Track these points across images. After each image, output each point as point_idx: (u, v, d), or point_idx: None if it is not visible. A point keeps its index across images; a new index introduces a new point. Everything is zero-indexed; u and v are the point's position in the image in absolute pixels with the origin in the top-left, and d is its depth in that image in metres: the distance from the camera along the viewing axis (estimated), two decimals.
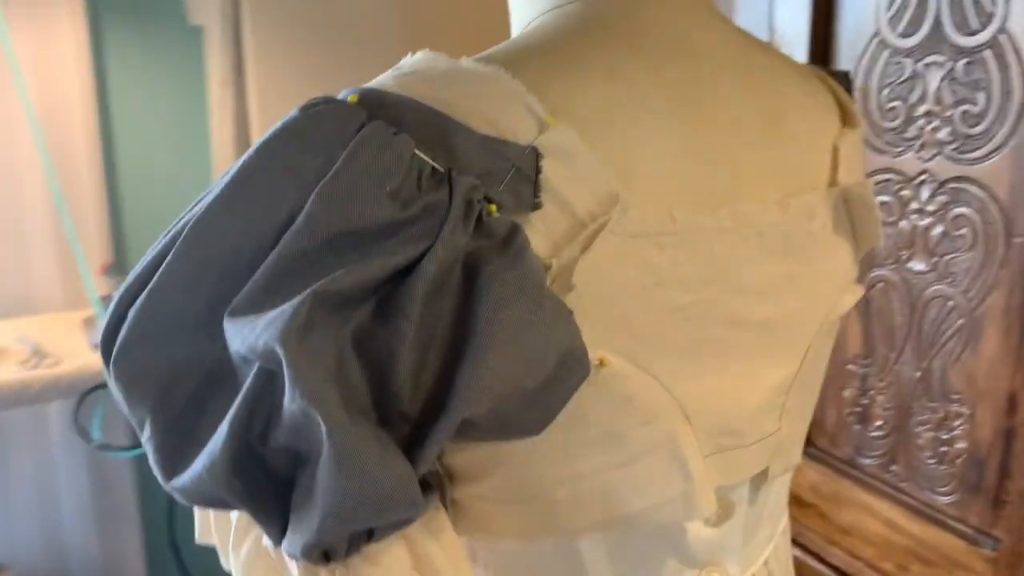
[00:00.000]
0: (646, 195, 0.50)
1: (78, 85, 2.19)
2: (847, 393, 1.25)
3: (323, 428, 0.38)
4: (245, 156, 0.45)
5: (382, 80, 0.49)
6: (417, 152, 0.44)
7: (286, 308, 0.39)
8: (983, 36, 1.00)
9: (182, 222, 0.45)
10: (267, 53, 2.25)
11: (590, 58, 0.51)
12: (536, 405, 0.45)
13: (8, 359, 1.95)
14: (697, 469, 0.54)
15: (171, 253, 0.44)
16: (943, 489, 1.12)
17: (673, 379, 0.53)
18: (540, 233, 0.47)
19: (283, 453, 0.42)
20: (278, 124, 0.45)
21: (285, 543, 0.42)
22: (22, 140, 2.15)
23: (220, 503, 0.43)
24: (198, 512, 0.54)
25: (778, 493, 0.65)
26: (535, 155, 0.46)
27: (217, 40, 2.28)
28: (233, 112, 2.34)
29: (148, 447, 0.44)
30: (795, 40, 1.23)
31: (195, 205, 0.46)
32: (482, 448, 0.53)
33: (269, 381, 0.40)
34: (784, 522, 0.69)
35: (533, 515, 0.54)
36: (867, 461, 1.23)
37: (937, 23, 1.05)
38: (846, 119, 0.64)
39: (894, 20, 1.10)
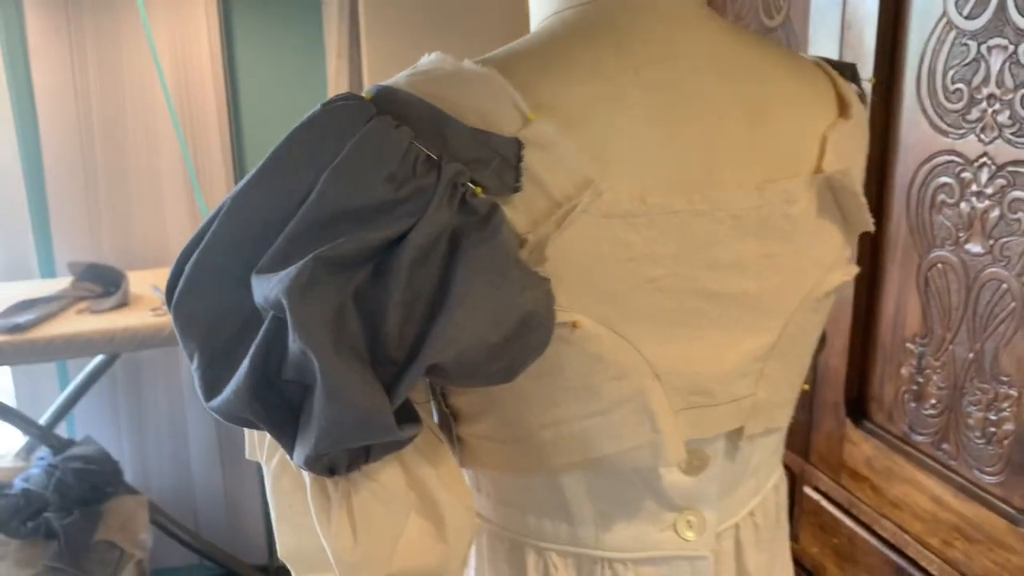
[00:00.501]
0: (620, 181, 0.57)
1: (209, 57, 2.38)
2: (904, 371, 1.27)
3: (316, 365, 0.49)
4: (278, 144, 0.55)
5: (397, 79, 0.58)
6: (414, 143, 0.53)
7: (292, 269, 0.49)
8: None
9: (230, 194, 0.56)
10: (380, 27, 2.37)
11: (575, 60, 0.59)
12: (500, 357, 0.54)
13: (143, 306, 2.17)
14: (665, 422, 0.62)
15: (217, 220, 0.55)
16: (990, 469, 1.14)
17: (644, 342, 0.60)
18: (521, 212, 0.55)
19: (293, 385, 0.52)
20: (304, 117, 0.55)
21: (294, 456, 0.53)
22: (158, 109, 2.37)
23: (246, 422, 0.54)
24: (247, 434, 0.65)
25: (764, 452, 0.72)
26: (518, 145, 0.55)
27: (335, 15, 2.42)
28: (348, 81, 2.49)
29: (195, 375, 0.55)
30: (866, 20, 1.24)
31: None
32: (477, 393, 0.62)
33: (280, 326, 0.50)
34: (775, 479, 0.76)
35: (522, 453, 0.63)
36: (920, 438, 1.25)
37: (1001, 5, 1.05)
38: (843, 110, 0.69)
39: (961, 2, 1.10)
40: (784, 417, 0.71)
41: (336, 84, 2.45)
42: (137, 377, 2.55)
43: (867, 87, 0.74)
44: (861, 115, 0.70)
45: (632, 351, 0.60)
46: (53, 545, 2.14)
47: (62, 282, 2.30)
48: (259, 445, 0.63)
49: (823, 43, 1.33)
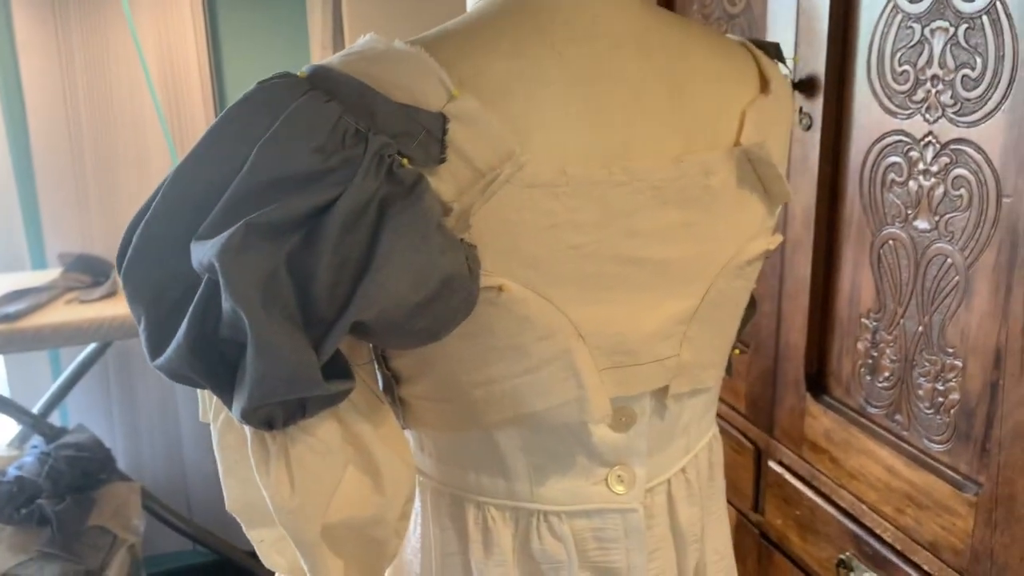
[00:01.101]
0: (541, 153, 0.61)
1: (194, 47, 2.42)
2: (860, 346, 1.31)
3: (246, 322, 0.53)
4: (216, 118, 0.59)
5: (332, 58, 0.62)
6: (344, 116, 0.57)
7: (225, 234, 0.53)
8: (981, 2, 1.03)
9: (172, 168, 0.60)
10: (362, 20, 2.41)
11: (499, 39, 0.62)
12: (423, 316, 0.58)
13: None
14: (590, 379, 0.66)
15: (160, 192, 0.59)
16: (938, 438, 1.18)
17: (569, 304, 0.64)
18: (446, 182, 0.59)
19: (230, 343, 0.56)
20: (242, 95, 0.59)
21: (232, 410, 0.57)
22: (145, 102, 2.40)
23: (189, 380, 0.58)
24: (199, 397, 0.69)
25: (694, 411, 0.76)
26: (442, 119, 0.59)
27: (319, 8, 2.46)
28: None
29: (142, 336, 0.59)
30: (819, 6, 1.27)
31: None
32: (414, 355, 0.66)
33: (215, 288, 0.54)
34: (707, 439, 0.80)
35: (457, 411, 0.68)
36: (874, 410, 1.29)
37: None
38: (764, 87, 0.72)
39: None
40: (712, 378, 0.75)
41: None
42: (128, 365, 2.60)
43: (791, 65, 0.78)
44: (783, 90, 0.74)
45: (557, 313, 0.64)
46: (46, 531, 2.19)
47: (52, 273, 2.34)
48: (208, 406, 0.67)
49: (780, 29, 1.36)
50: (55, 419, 2.49)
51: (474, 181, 0.60)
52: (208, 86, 2.47)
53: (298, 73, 0.60)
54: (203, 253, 0.54)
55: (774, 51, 0.76)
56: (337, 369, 0.58)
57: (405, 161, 0.58)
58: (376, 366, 0.70)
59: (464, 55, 0.61)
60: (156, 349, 0.58)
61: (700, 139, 0.68)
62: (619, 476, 0.71)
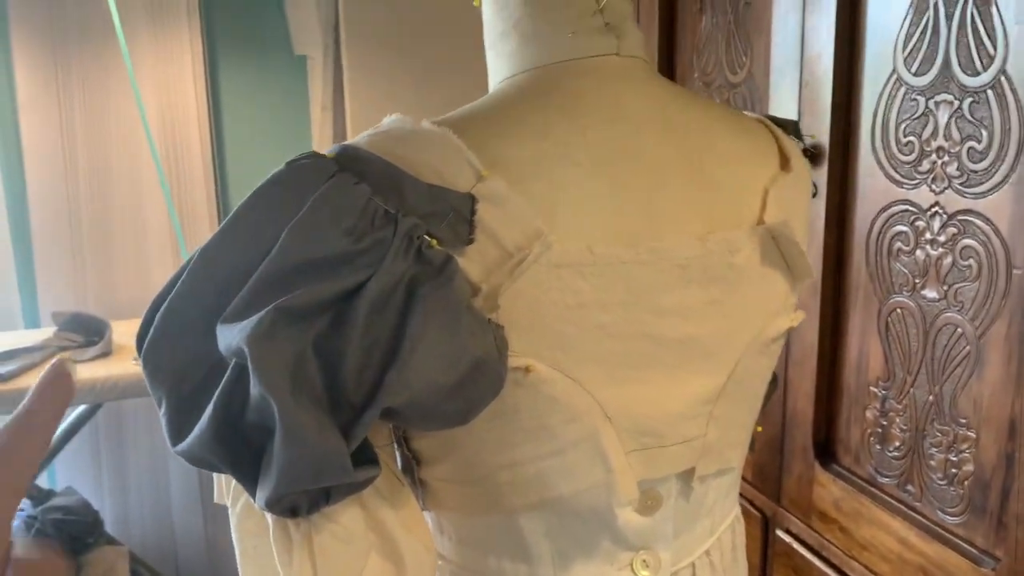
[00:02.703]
0: (568, 232, 0.61)
1: (195, 109, 2.43)
2: (869, 414, 1.30)
3: (275, 409, 0.51)
4: (244, 199, 0.58)
5: (359, 138, 0.62)
6: (373, 198, 0.57)
7: (253, 318, 0.52)
8: (986, 77, 1.05)
9: (198, 248, 0.59)
10: (363, 82, 2.44)
11: (526, 121, 0.63)
12: (454, 400, 0.56)
13: (127, 355, 2.19)
14: (617, 462, 0.64)
15: (185, 273, 0.58)
16: (953, 510, 1.17)
17: (596, 385, 0.63)
18: (474, 262, 0.59)
19: (256, 428, 0.55)
20: (270, 175, 0.59)
21: (256, 498, 0.56)
22: (144, 161, 2.41)
23: (210, 465, 0.57)
24: (215, 479, 0.68)
25: (718, 492, 0.74)
26: (471, 200, 0.58)
27: (319, 69, 2.49)
28: (332, 133, 2.55)
29: (163, 420, 0.58)
30: (822, 78, 1.29)
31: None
32: (437, 437, 0.65)
33: (242, 373, 0.53)
34: (731, 519, 0.78)
35: (481, 494, 0.66)
36: (885, 480, 1.28)
37: (946, 63, 1.10)
38: (784, 164, 0.73)
39: (909, 59, 1.16)
40: (737, 458, 0.74)
41: (320, 135, 2.51)
42: (119, 426, 2.56)
43: (809, 142, 0.79)
44: (802, 168, 0.74)
45: (584, 393, 0.63)
46: None
47: (45, 332, 2.32)
48: (226, 489, 0.65)
49: (783, 99, 1.38)
50: (43, 481, 2.44)
51: (502, 261, 0.59)
52: (208, 146, 2.47)
53: (326, 154, 0.60)
54: (231, 337, 0.53)
55: (792, 128, 0.77)
56: (363, 455, 0.57)
57: (434, 242, 0.57)
58: (397, 447, 0.68)
59: (491, 136, 0.61)
60: (178, 434, 0.57)
61: (723, 217, 0.68)
62: (644, 561, 0.69)
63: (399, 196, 0.57)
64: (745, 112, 0.76)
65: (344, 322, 0.54)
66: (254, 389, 0.52)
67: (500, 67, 0.69)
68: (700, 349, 0.67)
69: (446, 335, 0.55)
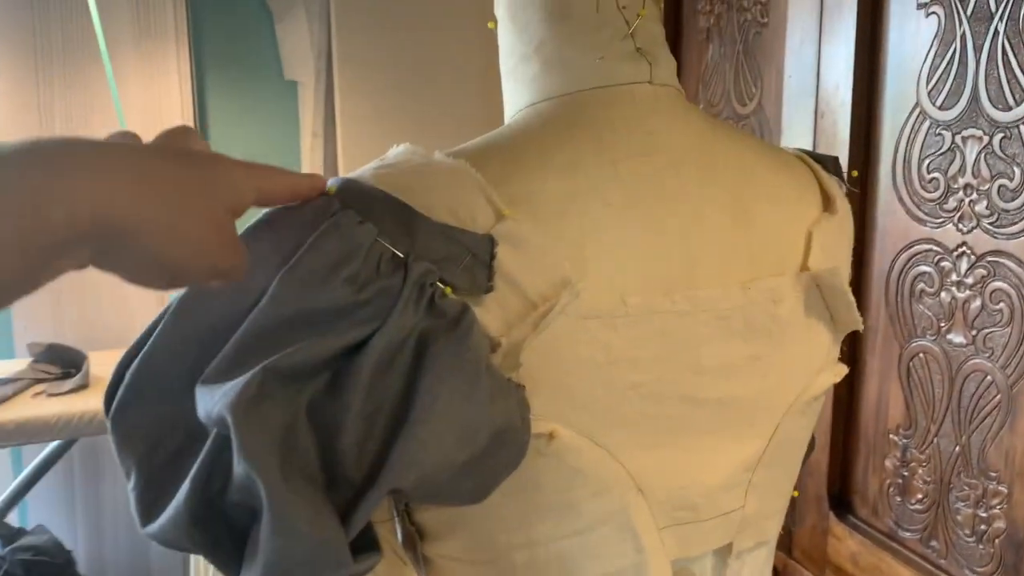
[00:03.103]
0: (599, 280, 0.54)
1: None
2: (888, 464, 1.23)
3: (262, 490, 0.44)
4: None
5: (363, 171, 0.55)
6: (379, 240, 0.50)
7: (239, 381, 0.45)
8: (1019, 111, 0.99)
9: (177, 295, 0.52)
10: (356, 108, 2.37)
11: (552, 153, 0.56)
12: (469, 477, 0.49)
13: (104, 387, 2.09)
14: (650, 541, 0.57)
15: (162, 323, 0.50)
16: (981, 569, 1.09)
17: (626, 452, 0.56)
18: (493, 313, 0.52)
19: (240, 508, 0.47)
20: (261, 213, 0.51)
21: None
22: None
23: (185, 548, 0.49)
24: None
25: (754, 566, 0.67)
26: (490, 242, 0.51)
27: (311, 95, 2.42)
28: (323, 160, 2.48)
29: (131, 494, 0.50)
30: (840, 108, 1.24)
31: None
32: (445, 510, 0.57)
33: (224, 444, 0.46)
34: None
35: (493, 575, 0.58)
36: (907, 534, 1.20)
37: (975, 97, 1.05)
38: (827, 204, 0.66)
39: (934, 92, 1.11)
40: (774, 528, 0.67)
41: (311, 161, 2.44)
42: (95, 463, 2.46)
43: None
44: (846, 210, 0.68)
45: (613, 463, 0.56)
46: None
47: (20, 363, 2.22)
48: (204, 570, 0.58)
49: (797, 131, 1.32)
50: (13, 519, 2.33)
51: (525, 312, 0.52)
52: None
53: (327, 188, 0.52)
54: (211, 403, 0.45)
55: (832, 166, 0.70)
56: (362, 539, 0.49)
57: (448, 290, 0.50)
58: (398, 519, 0.61)
59: (514, 171, 0.54)
60: (148, 512, 0.49)
61: (765, 263, 0.61)
62: None
63: (409, 238, 0.50)
64: (783, 148, 0.70)
65: (343, 385, 0.47)
66: (238, 466, 0.44)
67: (520, 94, 0.62)
68: (741, 411, 0.60)
69: (462, 401, 0.47)
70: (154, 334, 0.51)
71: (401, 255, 0.50)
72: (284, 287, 0.48)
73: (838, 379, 0.67)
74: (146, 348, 0.51)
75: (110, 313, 2.41)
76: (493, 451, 0.49)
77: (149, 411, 0.50)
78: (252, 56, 2.44)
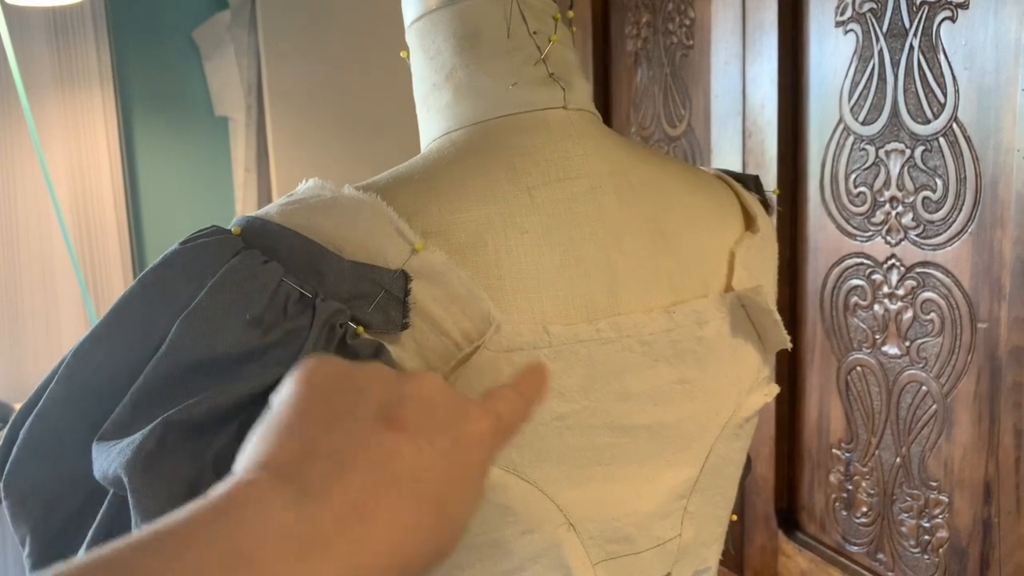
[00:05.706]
0: (519, 310, 0.52)
1: (108, 174, 2.30)
2: (833, 478, 1.23)
3: None
4: (130, 286, 0.48)
5: (269, 208, 0.52)
6: (285, 280, 0.47)
7: (136, 437, 0.42)
8: (937, 124, 1.01)
9: (72, 348, 0.49)
10: (287, 142, 2.34)
11: (465, 182, 0.54)
12: None
13: None
14: None
15: (56, 378, 0.47)
16: None
17: (556, 487, 0.54)
18: (411, 351, 0.50)
19: None
20: (160, 256, 0.49)
21: None
22: (54, 236, 2.26)
23: None
24: None
25: None
26: (404, 278, 0.49)
27: (242, 130, 2.39)
28: (256, 195, 2.44)
29: (26, 563, 0.46)
30: (766, 128, 1.25)
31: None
32: None
33: (124, 506, 0.43)
34: None
35: None
36: (854, 548, 1.20)
37: (895, 111, 1.06)
38: (749, 224, 0.66)
39: (856, 108, 1.12)
40: (713, 556, 0.65)
41: (244, 198, 2.39)
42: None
43: (772, 197, 0.72)
44: (768, 227, 0.67)
45: (543, 498, 0.54)
46: None
47: None
48: None
49: (726, 151, 1.33)
50: None
51: (444, 349, 0.50)
52: (124, 214, 2.33)
53: (231, 228, 0.50)
54: (107, 461, 0.42)
55: (753, 184, 0.70)
56: None
57: (361, 329, 0.48)
58: None
59: (427, 202, 0.53)
60: None
61: (689, 285, 0.60)
62: None
63: (317, 276, 0.48)
64: (702, 167, 0.69)
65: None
66: (136, 528, 0.42)
67: (433, 123, 0.61)
68: (670, 436, 0.59)
69: None
70: (49, 387, 0.48)
71: (309, 295, 0.48)
72: (184, 333, 0.45)
73: (770, 399, 0.66)
74: (39, 405, 0.47)
75: (41, 364, 2.32)
76: None
77: (44, 472, 0.47)
78: (180, 95, 2.40)
